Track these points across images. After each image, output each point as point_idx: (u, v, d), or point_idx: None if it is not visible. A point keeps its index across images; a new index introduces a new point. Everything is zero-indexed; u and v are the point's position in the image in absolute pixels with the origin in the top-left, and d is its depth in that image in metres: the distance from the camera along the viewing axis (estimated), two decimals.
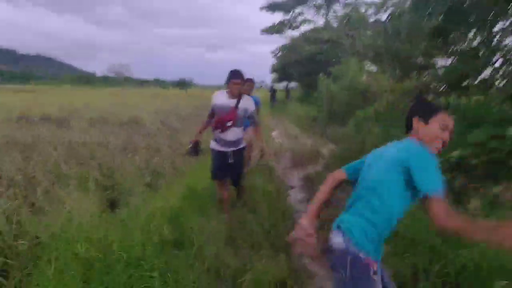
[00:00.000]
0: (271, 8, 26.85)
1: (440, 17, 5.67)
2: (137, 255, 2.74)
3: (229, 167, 4.39)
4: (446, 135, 1.86)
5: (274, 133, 12.49)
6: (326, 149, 9.04)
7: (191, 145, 4.50)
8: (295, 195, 5.74)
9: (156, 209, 3.72)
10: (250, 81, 5.46)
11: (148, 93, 40.39)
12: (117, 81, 79.99)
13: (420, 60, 7.34)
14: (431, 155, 1.72)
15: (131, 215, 3.53)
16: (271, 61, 30.52)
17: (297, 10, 27.10)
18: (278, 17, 27.89)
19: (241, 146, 4.49)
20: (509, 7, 4.61)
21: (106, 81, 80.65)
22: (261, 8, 26.91)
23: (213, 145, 4.43)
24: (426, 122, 1.90)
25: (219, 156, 4.37)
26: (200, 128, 4.57)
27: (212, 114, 4.43)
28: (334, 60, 19.78)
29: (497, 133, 3.49)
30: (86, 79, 79.48)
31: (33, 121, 11.04)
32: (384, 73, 10.02)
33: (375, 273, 1.73)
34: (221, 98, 4.32)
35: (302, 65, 23.65)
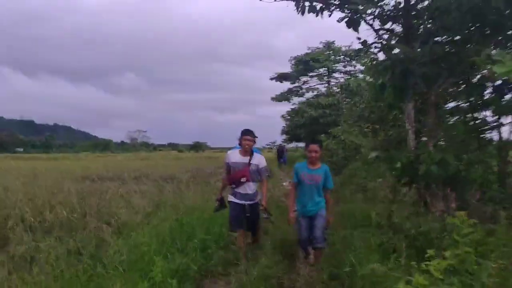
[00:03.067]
0: (279, 78, 30.72)
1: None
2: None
3: (246, 219, 4.89)
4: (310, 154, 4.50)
5: (284, 183, 15.22)
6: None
7: (218, 203, 5.23)
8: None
9: None
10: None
11: (169, 156, 43.88)
12: (133, 146, 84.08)
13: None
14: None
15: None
16: (280, 123, 34.00)
17: (303, 79, 30.91)
18: (286, 85, 31.59)
19: (256, 200, 5.03)
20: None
21: (122, 147, 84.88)
22: (271, 79, 30.80)
23: (231, 198, 5.01)
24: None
25: (237, 208, 4.90)
26: (221, 186, 5.37)
27: (228, 171, 5.09)
28: (334, 122, 22.85)
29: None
30: (104, 145, 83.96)
31: (94, 179, 13.87)
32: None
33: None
34: (235, 156, 4.99)
35: (307, 127, 26.87)
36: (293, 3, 6.70)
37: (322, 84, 30.57)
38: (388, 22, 6.75)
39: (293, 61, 29.65)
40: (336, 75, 31.02)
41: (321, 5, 6.60)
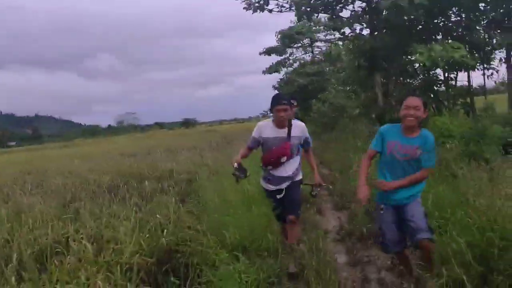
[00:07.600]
0: (268, 52, 33.40)
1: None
2: None
3: (283, 202, 3.93)
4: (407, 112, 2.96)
5: None
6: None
7: (236, 167, 3.86)
8: None
9: None
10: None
11: (169, 134, 46.59)
12: (122, 129, 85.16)
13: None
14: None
15: None
16: (263, 90, 36.68)
17: (289, 51, 33.74)
18: (273, 58, 33.87)
19: (298, 178, 4.04)
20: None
21: (110, 131, 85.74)
22: (260, 53, 33.40)
23: (265, 185, 4.04)
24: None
25: (274, 195, 3.95)
26: (241, 155, 3.98)
27: (253, 147, 4.01)
28: (321, 87, 25.92)
29: None
30: (92, 131, 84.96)
31: (132, 156, 16.59)
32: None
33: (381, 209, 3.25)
34: (269, 130, 3.88)
35: (298, 94, 29.93)
36: None
37: (307, 53, 33.43)
38: (358, 20, 9.87)
39: (278, 35, 32.29)
40: (318, 43, 33.85)
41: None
